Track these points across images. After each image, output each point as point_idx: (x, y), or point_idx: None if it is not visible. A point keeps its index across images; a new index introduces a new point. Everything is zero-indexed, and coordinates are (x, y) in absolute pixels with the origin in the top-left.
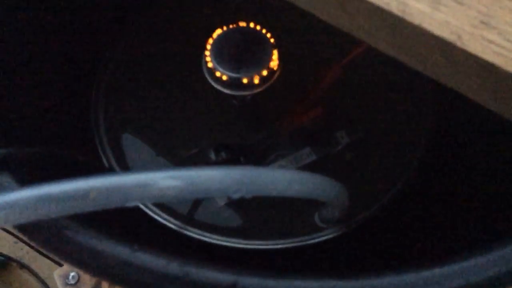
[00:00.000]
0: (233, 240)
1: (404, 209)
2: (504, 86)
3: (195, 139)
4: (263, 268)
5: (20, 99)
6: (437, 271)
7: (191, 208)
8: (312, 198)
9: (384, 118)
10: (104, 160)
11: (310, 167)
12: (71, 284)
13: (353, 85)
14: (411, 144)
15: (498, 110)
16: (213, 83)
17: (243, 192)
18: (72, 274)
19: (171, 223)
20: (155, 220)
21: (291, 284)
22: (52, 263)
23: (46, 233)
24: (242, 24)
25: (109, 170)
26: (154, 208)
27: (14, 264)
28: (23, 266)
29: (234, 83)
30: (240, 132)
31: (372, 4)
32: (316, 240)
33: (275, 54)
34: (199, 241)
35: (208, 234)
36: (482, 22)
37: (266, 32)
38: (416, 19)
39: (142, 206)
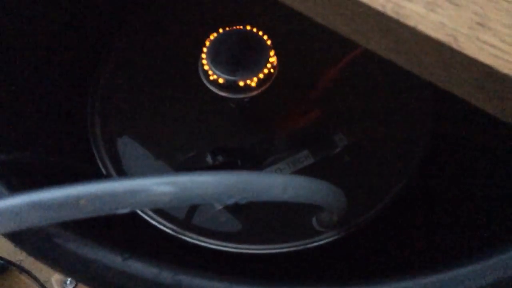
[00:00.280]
0: (230, 244)
1: (403, 213)
2: (500, 88)
3: (192, 142)
4: (260, 274)
5: (13, 105)
6: (436, 277)
7: (188, 212)
8: (308, 203)
9: (382, 121)
10: (100, 165)
11: (308, 170)
12: None
13: (351, 87)
14: (410, 147)
15: (495, 112)
16: (209, 86)
17: (237, 198)
18: (69, 278)
19: (167, 228)
20: (151, 224)
21: None
22: None
23: (36, 241)
24: (239, 26)
25: (105, 175)
26: (150, 212)
27: (14, 268)
28: (22, 270)
29: (231, 86)
30: (237, 135)
31: (367, 7)
32: (314, 244)
33: (272, 57)
34: (196, 245)
35: (204, 239)
36: (478, 24)
37: (263, 35)
38: (411, 21)
39: (137, 210)
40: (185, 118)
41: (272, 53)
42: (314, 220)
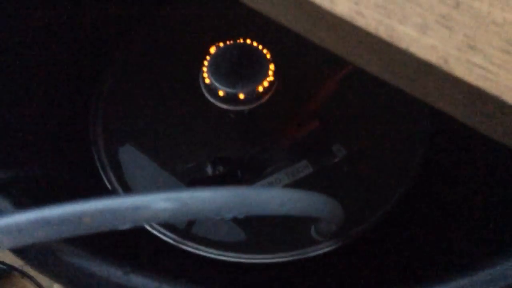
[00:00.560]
0: (230, 254)
1: (402, 222)
2: (489, 109)
3: (193, 152)
4: (259, 283)
5: (16, 120)
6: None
7: (188, 222)
8: (305, 216)
9: (380, 131)
10: (103, 177)
11: (307, 180)
12: None
13: (349, 98)
14: (408, 157)
15: (486, 132)
16: (210, 99)
17: (235, 213)
18: None
19: (167, 237)
20: (151, 234)
21: None
22: None
23: (38, 254)
24: (239, 40)
25: (108, 187)
26: None
27: (16, 273)
28: (24, 275)
29: (231, 98)
30: (237, 146)
31: (361, 29)
32: (313, 254)
33: (271, 69)
34: (195, 255)
35: (204, 248)
36: (468, 46)
37: (263, 48)
38: (403, 43)
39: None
40: (186, 129)
41: (271, 66)
42: (313, 229)
